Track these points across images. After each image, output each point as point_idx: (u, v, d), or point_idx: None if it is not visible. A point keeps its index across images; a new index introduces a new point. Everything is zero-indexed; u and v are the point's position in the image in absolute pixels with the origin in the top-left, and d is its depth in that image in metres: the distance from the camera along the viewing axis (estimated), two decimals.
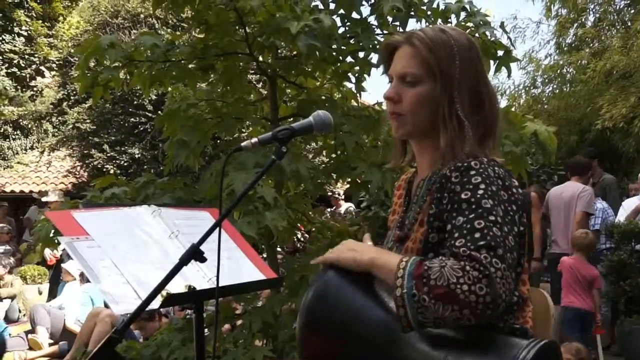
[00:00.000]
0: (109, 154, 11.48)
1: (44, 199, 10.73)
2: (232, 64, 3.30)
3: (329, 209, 8.87)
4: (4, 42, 10.88)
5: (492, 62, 3.15)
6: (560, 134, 9.32)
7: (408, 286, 1.25)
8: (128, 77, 3.17)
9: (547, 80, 11.66)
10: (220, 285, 1.65)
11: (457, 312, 1.21)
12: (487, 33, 3.09)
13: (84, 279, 7.43)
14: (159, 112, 10.90)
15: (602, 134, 9.29)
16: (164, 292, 1.51)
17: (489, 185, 1.33)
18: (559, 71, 11.33)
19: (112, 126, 11.67)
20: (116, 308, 1.57)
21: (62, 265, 7.86)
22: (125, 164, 11.34)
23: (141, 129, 11.39)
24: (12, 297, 8.08)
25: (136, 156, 11.33)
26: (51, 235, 2.88)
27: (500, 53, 3.15)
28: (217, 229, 1.54)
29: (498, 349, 1.28)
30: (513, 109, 7.44)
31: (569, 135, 9.95)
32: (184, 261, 1.46)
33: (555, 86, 11.53)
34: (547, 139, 3.02)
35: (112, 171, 11.00)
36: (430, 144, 1.51)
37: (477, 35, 3.09)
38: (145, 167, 10.86)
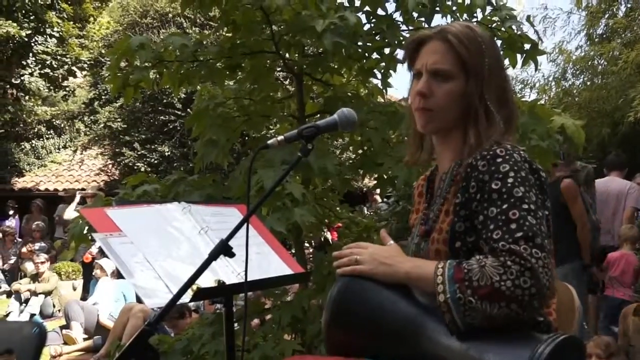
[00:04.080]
0: (139, 152, 11.66)
1: (78, 195, 10.92)
2: (259, 62, 3.33)
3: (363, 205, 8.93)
4: (36, 43, 11.07)
5: (518, 55, 3.15)
6: (592, 126, 9.20)
7: (451, 291, 1.27)
8: (158, 76, 3.23)
9: (577, 72, 11.52)
10: (248, 280, 1.68)
11: (505, 308, 1.22)
12: (514, 27, 3.08)
13: (115, 275, 7.58)
14: (188, 110, 11.05)
15: (635, 126, 9.14)
16: (194, 287, 1.55)
17: (518, 172, 1.34)
18: (589, 62, 11.18)
19: (142, 125, 11.85)
20: (149, 302, 1.61)
21: (97, 261, 8.03)
22: (156, 162, 11.51)
23: (171, 127, 11.55)
24: (47, 293, 8.27)
25: (166, 154, 11.49)
26: (85, 232, 2.96)
27: (527, 47, 3.14)
28: (245, 224, 1.57)
29: (518, 342, 1.29)
30: (542, 102, 7.36)
31: (601, 127, 9.81)
32: (213, 256, 1.50)
33: (586, 78, 11.38)
34: (575, 133, 2.99)
35: (142, 169, 11.17)
36: (454, 139, 1.51)
37: (503, 29, 3.09)
38: (175, 164, 11.02)
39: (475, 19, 3.13)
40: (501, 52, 1.56)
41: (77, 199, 9.92)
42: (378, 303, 1.40)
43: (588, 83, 11.18)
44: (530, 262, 1.22)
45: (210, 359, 2.82)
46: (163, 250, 1.77)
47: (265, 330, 3.06)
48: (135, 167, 11.34)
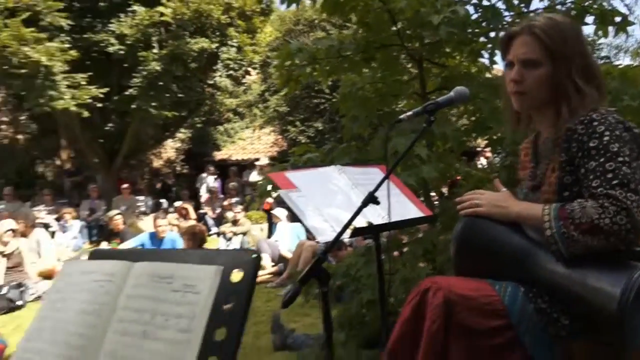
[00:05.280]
0: (300, 128, 12.04)
1: (257, 163, 11.60)
2: (388, 53, 3.33)
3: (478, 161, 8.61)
4: (222, 52, 11.68)
5: (610, 28, 2.89)
6: None
7: (557, 227, 1.27)
8: (312, 71, 3.34)
9: None
10: (390, 221, 1.76)
11: (603, 241, 1.21)
12: (604, 3, 2.82)
13: (290, 219, 7.98)
14: (334, 94, 11.19)
15: None
16: (351, 227, 1.65)
17: (612, 131, 1.29)
18: None
19: (301, 107, 12.20)
20: (320, 238, 1.74)
21: (272, 211, 8.48)
22: (312, 135, 11.82)
23: (322, 107, 11.78)
24: (243, 234, 8.91)
25: (319, 129, 11.77)
26: (269, 189, 3.19)
27: (618, 19, 2.87)
28: (386, 180, 1.65)
29: (616, 268, 1.26)
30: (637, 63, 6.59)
31: None
32: (364, 204, 1.58)
33: None
34: None
35: (303, 141, 11.52)
36: (549, 113, 1.48)
37: (595, 6, 2.84)
38: (326, 136, 11.25)
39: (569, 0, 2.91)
40: (593, 27, 1.46)
41: (258, 168, 10.64)
42: (495, 236, 1.42)
43: None
44: (625, 203, 1.19)
45: (364, 280, 2.96)
46: (327, 201, 1.89)
47: (403, 259, 3.13)
48: (298, 140, 11.74)
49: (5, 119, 14.91)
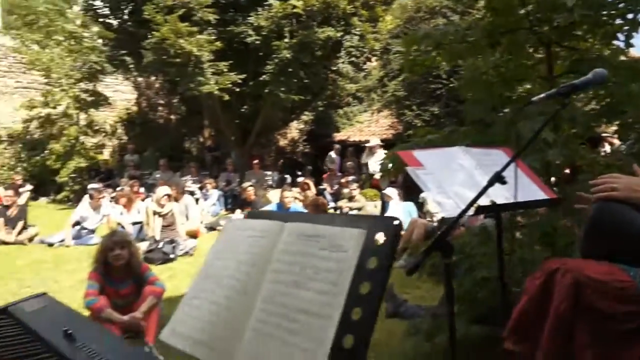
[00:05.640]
0: (416, 112, 11.80)
1: (367, 145, 11.64)
2: (514, 37, 3.14)
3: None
4: (345, 40, 11.75)
5: None
6: None
7: None
8: (436, 56, 3.26)
9: None
10: (515, 201, 1.69)
11: None
12: None
13: (402, 198, 7.93)
14: (452, 79, 10.78)
15: None
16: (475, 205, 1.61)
17: None
18: None
19: (417, 92, 11.93)
20: (444, 213, 1.73)
21: (383, 191, 8.48)
22: (428, 119, 11.54)
23: (438, 93, 11.42)
24: (359, 209, 9.04)
25: (435, 113, 11.45)
26: (389, 167, 3.19)
27: None
28: (514, 161, 1.58)
29: None
30: None
31: None
32: (491, 183, 1.54)
33: None
34: None
35: (419, 124, 11.29)
36: None
37: None
38: (442, 120, 10.92)
39: None
40: None
41: (367, 149, 10.77)
42: (631, 220, 1.31)
43: None
44: None
45: (479, 258, 2.87)
46: (451, 179, 1.86)
47: (520, 241, 2.98)
48: (413, 124, 11.53)
49: (161, 101, 16.47)
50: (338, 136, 15.86)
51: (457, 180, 1.86)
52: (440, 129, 3.34)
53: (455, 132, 3.07)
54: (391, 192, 7.94)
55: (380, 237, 0.96)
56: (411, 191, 8.40)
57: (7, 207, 8.01)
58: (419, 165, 1.82)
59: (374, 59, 13.48)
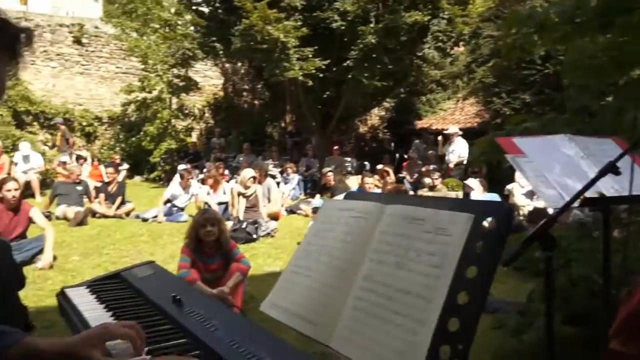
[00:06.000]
0: (505, 100, 11.26)
1: (446, 132, 11.28)
2: (630, 18, 2.88)
3: None
4: (433, 25, 11.42)
5: None
6: None
7: None
8: (538, 39, 3.08)
9: None
10: (629, 194, 1.57)
11: None
12: None
13: (486, 189, 7.62)
14: (546, 65, 10.14)
15: None
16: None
17: None
18: None
19: (508, 78, 11.36)
20: (548, 204, 1.65)
21: (465, 182, 8.20)
22: (518, 107, 10.97)
23: (531, 79, 10.79)
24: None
25: (527, 101, 10.85)
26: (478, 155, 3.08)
27: None
28: (628, 151, 1.47)
29: None
30: None
31: None
32: (602, 173, 1.44)
33: None
34: None
35: (507, 113, 10.78)
36: None
37: None
38: (534, 109, 10.34)
39: None
40: None
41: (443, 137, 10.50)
42: None
43: None
44: None
45: (576, 255, 2.72)
46: (554, 168, 1.77)
47: (625, 238, 2.77)
48: (502, 112, 11.03)
49: (246, 87, 17.04)
50: (420, 124, 15.57)
51: (560, 169, 1.77)
52: (534, 118, 3.17)
53: (555, 120, 2.90)
54: (473, 183, 7.68)
55: (489, 223, 0.94)
56: (495, 182, 8.08)
57: (108, 183, 8.72)
58: (519, 152, 1.75)
59: (461, 43, 12.99)
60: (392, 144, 14.79)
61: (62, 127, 12.85)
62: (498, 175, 8.54)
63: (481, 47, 12.06)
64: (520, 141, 1.82)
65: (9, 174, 8.54)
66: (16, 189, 5.14)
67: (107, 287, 1.62)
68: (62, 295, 1.59)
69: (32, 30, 0.94)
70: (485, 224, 0.93)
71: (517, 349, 2.94)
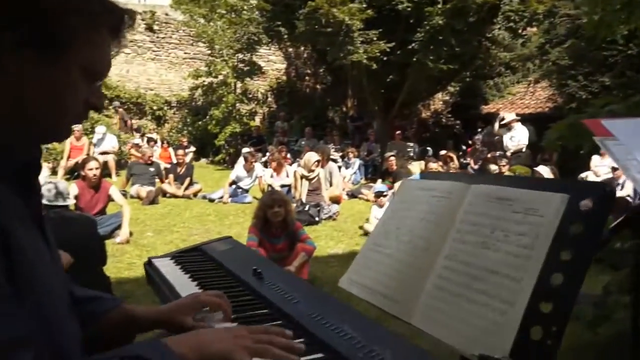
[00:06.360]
0: (582, 83, 10.62)
1: (502, 115, 10.74)
2: None
3: None
4: (505, 4, 10.91)
5: None
6: None
7: None
8: (627, 16, 2.88)
9: None
10: None
11: None
12: None
13: (556, 177, 7.26)
14: (630, 45, 9.45)
15: None
16: None
17: None
18: None
19: (585, 60, 10.70)
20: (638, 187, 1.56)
21: (535, 169, 7.84)
22: (596, 91, 10.32)
23: (612, 60, 10.10)
24: None
25: (606, 84, 10.18)
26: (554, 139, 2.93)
27: None
28: None
29: None
30: None
31: None
32: None
33: None
34: None
35: (583, 97, 10.18)
36: None
37: None
38: (614, 92, 9.68)
39: None
40: None
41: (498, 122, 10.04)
42: None
43: None
44: None
45: None
46: None
47: None
48: (578, 96, 10.42)
49: (308, 71, 17.13)
50: (486, 108, 15.04)
51: None
52: (618, 101, 2.97)
53: None
54: (544, 170, 7.35)
55: (586, 204, 0.90)
56: (566, 170, 7.68)
57: (177, 165, 9.12)
58: (608, 134, 1.66)
59: (534, 23, 12.34)
60: (462, 129, 14.30)
61: (120, 110, 13.58)
62: (569, 163, 8.11)
63: (557, 26, 11.40)
64: (608, 123, 1.72)
65: (88, 154, 9.12)
66: (97, 168, 5.49)
67: (190, 258, 1.71)
68: (149, 264, 1.69)
69: (134, 12, 0.99)
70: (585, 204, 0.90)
71: (592, 342, 2.83)
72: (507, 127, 10.34)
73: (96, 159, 5.80)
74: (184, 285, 1.45)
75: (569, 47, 10.64)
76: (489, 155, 10.52)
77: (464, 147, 12.65)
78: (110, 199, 5.71)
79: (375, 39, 10.46)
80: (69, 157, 9.73)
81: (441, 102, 17.03)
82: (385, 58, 10.70)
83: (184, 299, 1.13)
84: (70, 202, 4.11)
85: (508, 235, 1.00)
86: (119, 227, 5.53)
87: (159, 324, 1.08)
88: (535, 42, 13.42)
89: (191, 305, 1.09)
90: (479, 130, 12.81)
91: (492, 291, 0.96)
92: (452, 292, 1.04)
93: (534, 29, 13.12)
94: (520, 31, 11.64)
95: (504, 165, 9.12)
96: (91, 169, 5.42)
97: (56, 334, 0.74)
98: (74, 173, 9.06)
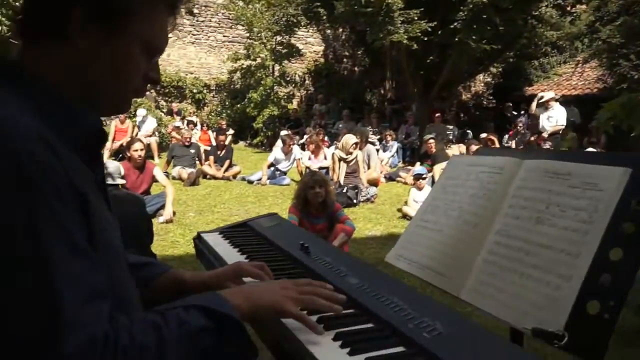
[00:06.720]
0: (634, 63, 10.11)
1: (541, 94, 10.30)
2: None
3: None
4: None
5: None
6: None
7: None
8: None
9: None
10: None
11: None
12: None
13: None
14: None
15: None
16: None
17: None
18: None
19: (638, 38, 10.15)
20: None
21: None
22: None
23: None
24: None
25: None
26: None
27: None
28: None
29: None
30: None
31: None
32: None
33: None
34: None
35: (635, 77, 9.71)
36: None
37: None
38: None
39: None
40: None
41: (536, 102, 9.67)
42: None
43: None
44: None
45: None
46: None
47: None
48: (629, 76, 9.93)
49: (346, 53, 16.98)
50: (530, 90, 14.55)
51: None
52: None
53: None
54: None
55: None
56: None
57: (217, 147, 9.28)
58: None
59: (584, 0, 11.79)
60: (513, 112, 13.75)
61: (148, 92, 13.85)
62: (617, 147, 7.78)
63: (608, 3, 10.86)
64: None
65: (132, 136, 9.40)
66: (142, 149, 5.66)
67: (237, 233, 1.76)
68: (198, 239, 1.75)
69: None
70: None
71: (638, 329, 2.75)
72: (545, 106, 9.62)
73: (141, 141, 5.97)
74: (233, 258, 1.50)
75: (621, 24, 10.12)
76: (532, 139, 10.21)
77: (508, 129, 12.29)
78: (154, 179, 5.88)
79: (416, 18, 10.25)
80: (113, 139, 10.05)
81: (482, 84, 16.59)
82: (425, 38, 10.48)
83: (227, 267, 1.19)
84: (121, 181, 4.26)
85: (565, 210, 0.98)
86: (162, 207, 5.70)
87: (207, 288, 1.13)
88: (584, 20, 12.83)
89: (233, 272, 1.14)
90: (522, 112, 12.41)
91: (546, 266, 0.96)
92: (504, 267, 1.04)
93: (584, 6, 12.54)
94: (569, 8, 11.15)
95: (548, 148, 8.85)
96: (136, 150, 5.59)
97: (122, 291, 0.79)
98: (118, 155, 9.36)
